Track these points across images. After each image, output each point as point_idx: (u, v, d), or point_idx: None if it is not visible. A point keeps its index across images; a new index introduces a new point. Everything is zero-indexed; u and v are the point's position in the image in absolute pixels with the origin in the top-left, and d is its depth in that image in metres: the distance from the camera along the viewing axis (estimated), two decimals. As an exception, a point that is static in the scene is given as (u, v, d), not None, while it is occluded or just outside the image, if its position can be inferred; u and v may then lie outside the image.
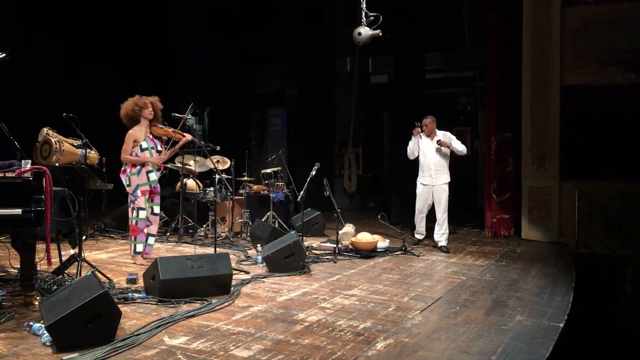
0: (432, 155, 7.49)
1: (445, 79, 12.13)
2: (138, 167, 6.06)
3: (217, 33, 12.70)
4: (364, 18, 6.94)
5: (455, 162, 11.92)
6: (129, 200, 6.12)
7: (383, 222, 7.78)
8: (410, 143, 7.63)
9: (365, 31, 6.78)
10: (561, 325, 4.23)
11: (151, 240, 6.31)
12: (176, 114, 6.77)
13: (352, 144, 12.83)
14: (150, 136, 6.17)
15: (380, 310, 4.55)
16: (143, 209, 6.06)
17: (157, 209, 6.30)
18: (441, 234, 7.51)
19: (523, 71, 8.66)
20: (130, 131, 6.07)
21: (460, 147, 7.44)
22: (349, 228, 7.63)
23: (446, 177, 7.54)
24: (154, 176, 6.15)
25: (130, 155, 6.02)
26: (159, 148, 6.24)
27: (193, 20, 12.57)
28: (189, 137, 6.35)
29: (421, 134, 7.51)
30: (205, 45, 12.55)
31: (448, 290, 5.27)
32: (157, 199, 6.28)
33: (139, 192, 6.04)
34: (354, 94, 12.47)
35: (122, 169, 6.14)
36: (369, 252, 6.95)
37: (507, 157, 8.97)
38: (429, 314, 4.49)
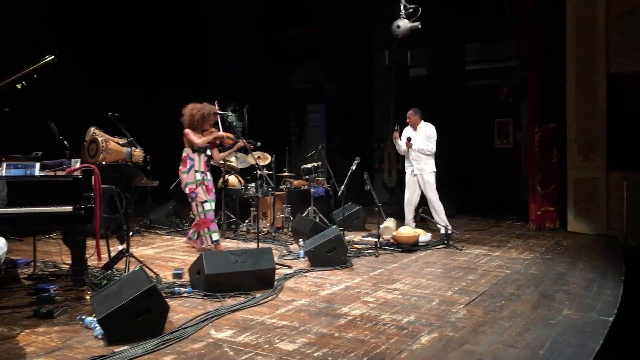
0: (418, 145, 7.63)
1: (485, 70, 11.91)
2: (188, 166, 6.44)
3: (253, 30, 12.79)
4: (403, 10, 6.90)
5: (497, 153, 11.79)
6: (189, 199, 6.50)
7: (424, 215, 7.71)
8: (397, 146, 7.83)
9: (404, 24, 6.74)
10: (611, 319, 4.12)
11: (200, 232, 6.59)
12: (219, 112, 6.87)
13: (391, 138, 12.75)
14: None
15: (424, 304, 4.53)
16: (206, 201, 6.42)
17: (211, 205, 6.58)
18: (441, 219, 7.59)
19: (567, 59, 8.43)
20: (187, 129, 6.49)
21: (426, 148, 7.58)
22: (390, 222, 7.60)
23: (431, 167, 7.66)
24: (199, 176, 6.48)
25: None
26: (208, 152, 6.62)
27: (229, 18, 12.68)
28: (241, 142, 6.59)
29: (407, 128, 7.80)
30: (242, 42, 12.66)
31: (492, 284, 5.20)
32: (212, 196, 6.61)
33: (187, 189, 6.42)
34: (392, 88, 12.38)
35: (179, 168, 6.59)
36: (411, 246, 6.92)
37: (551, 149, 8.78)
38: (473, 307, 4.44)
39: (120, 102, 7.67)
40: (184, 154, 6.57)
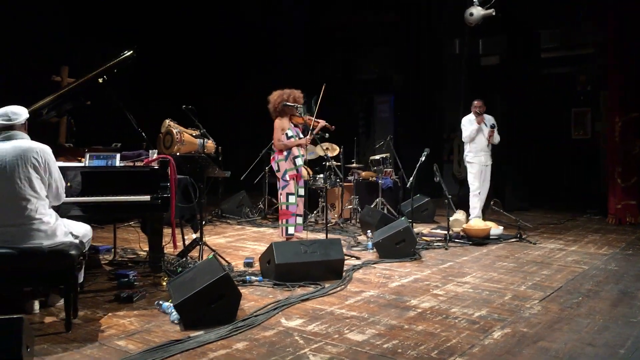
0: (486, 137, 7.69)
1: (562, 58, 11.41)
2: (285, 154, 6.53)
3: (321, 18, 12.76)
4: (476, -3, 6.72)
5: (574, 144, 11.32)
6: (278, 186, 6.59)
7: (496, 208, 7.53)
8: (474, 131, 7.69)
9: (477, 11, 6.57)
10: (699, 319, 3.89)
11: (299, 220, 6.68)
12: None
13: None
14: (292, 125, 6.61)
15: (496, 298, 4.43)
16: (292, 194, 6.50)
17: (301, 191, 6.74)
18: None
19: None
20: (277, 121, 6.54)
21: (497, 138, 7.74)
22: (460, 214, 7.48)
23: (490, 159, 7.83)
24: (300, 161, 6.58)
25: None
26: (300, 135, 6.67)
27: (297, 4, 12.72)
28: (323, 122, 6.66)
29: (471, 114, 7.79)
30: (308, 29, 12.69)
31: (569, 280, 5.01)
32: (302, 182, 6.74)
33: (287, 177, 6.50)
34: (463, 77, 12.10)
35: (272, 156, 6.74)
36: (482, 239, 6.77)
37: (633, 139, 8.36)
38: (548, 303, 4.30)
39: (193, 94, 7.89)
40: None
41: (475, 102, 7.70)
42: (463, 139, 7.81)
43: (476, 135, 7.64)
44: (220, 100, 11.44)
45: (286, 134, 6.48)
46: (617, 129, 8.41)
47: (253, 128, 11.64)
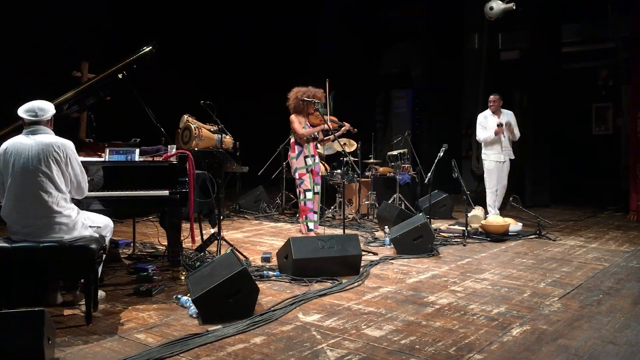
0: (506, 132, 7.57)
1: (583, 52, 11.25)
2: (297, 152, 6.58)
3: (348, 13, 12.70)
4: (497, -9, 6.65)
5: (594, 140, 11.16)
6: (296, 184, 6.68)
7: (515, 204, 7.46)
8: (488, 138, 7.58)
9: (497, 5, 6.52)
10: None
11: (315, 217, 6.72)
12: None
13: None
14: (308, 124, 6.64)
15: (515, 295, 4.39)
16: (309, 190, 6.55)
17: (317, 188, 6.76)
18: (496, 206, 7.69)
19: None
20: (292, 115, 6.59)
21: (518, 134, 7.65)
22: (478, 211, 7.41)
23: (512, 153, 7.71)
24: (310, 161, 6.62)
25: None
26: (315, 135, 6.67)
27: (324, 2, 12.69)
28: (347, 126, 6.65)
29: (488, 110, 7.68)
30: (336, 28, 12.64)
31: (589, 277, 4.96)
32: (318, 179, 6.76)
33: (297, 175, 6.58)
34: (482, 72, 11.98)
35: (288, 154, 6.83)
36: (500, 236, 6.72)
37: (656, 135, 8.21)
38: (568, 301, 4.26)
39: (211, 89, 7.92)
40: (292, 140, 6.70)
41: (491, 97, 7.62)
42: (477, 139, 7.74)
43: (491, 140, 7.56)
44: (238, 95, 11.46)
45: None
46: (639, 125, 8.27)
47: (271, 123, 11.66)
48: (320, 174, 6.83)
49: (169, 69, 9.79)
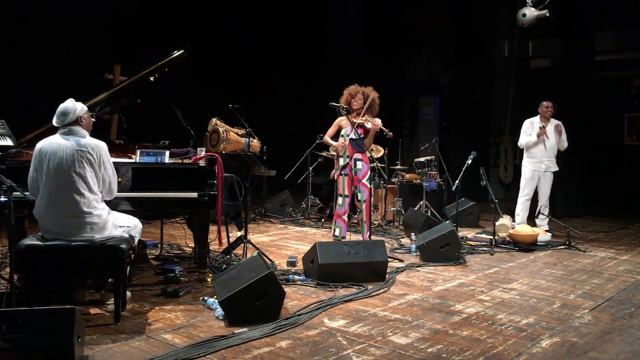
0: (551, 139, 7.33)
1: (617, 61, 11.04)
2: (336, 153, 6.43)
3: (374, 18, 12.69)
4: (530, -2, 6.57)
5: (627, 150, 10.95)
6: None
7: (544, 214, 7.34)
8: (532, 139, 7.34)
9: (530, 12, 6.43)
10: None
11: (341, 223, 6.31)
12: (333, 103, 6.89)
13: (509, 132, 12.22)
14: (350, 124, 6.22)
15: (544, 306, 4.31)
16: (340, 195, 6.25)
17: (360, 196, 6.21)
18: (543, 219, 7.37)
19: None
20: (338, 118, 6.40)
21: (566, 142, 7.43)
22: (506, 219, 7.32)
23: (556, 165, 7.50)
24: (342, 161, 6.23)
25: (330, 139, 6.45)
26: (353, 137, 6.18)
27: (350, 7, 12.68)
28: (378, 123, 6.26)
29: (536, 117, 7.43)
30: (362, 32, 12.64)
31: (620, 290, 4.85)
32: (361, 186, 6.18)
33: (335, 176, 6.52)
34: (512, 80, 11.86)
35: None
36: (529, 246, 6.61)
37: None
38: (599, 313, 4.17)
39: (239, 94, 7.98)
40: None
41: (544, 103, 7.31)
42: (519, 144, 7.60)
43: (533, 146, 7.37)
44: (266, 99, 11.52)
45: (340, 132, 6.35)
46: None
47: (298, 128, 11.70)
48: (365, 180, 6.19)
49: (197, 72, 9.91)
